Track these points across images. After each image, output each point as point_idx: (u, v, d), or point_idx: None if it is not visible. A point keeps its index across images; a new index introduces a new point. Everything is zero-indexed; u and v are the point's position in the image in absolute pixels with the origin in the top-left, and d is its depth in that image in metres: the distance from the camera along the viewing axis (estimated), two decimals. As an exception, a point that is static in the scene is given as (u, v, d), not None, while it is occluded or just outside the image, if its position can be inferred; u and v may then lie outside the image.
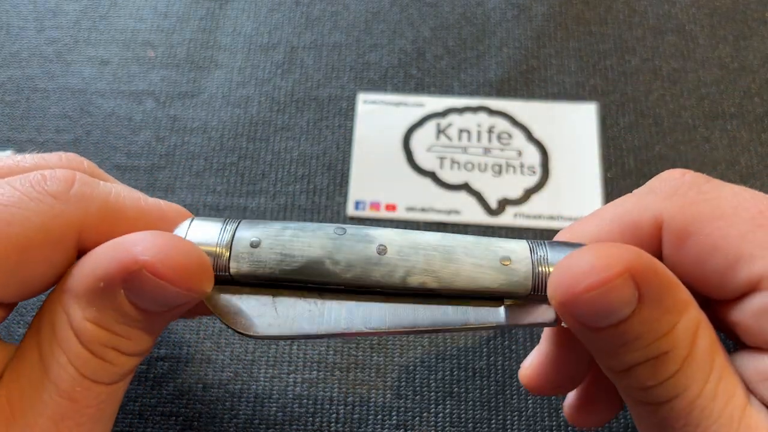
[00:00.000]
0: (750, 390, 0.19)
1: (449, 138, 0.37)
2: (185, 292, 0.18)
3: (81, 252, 0.20)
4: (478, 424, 0.29)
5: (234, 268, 0.20)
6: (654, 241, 0.21)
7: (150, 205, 0.21)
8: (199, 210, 0.35)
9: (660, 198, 0.21)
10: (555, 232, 0.31)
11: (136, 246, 0.18)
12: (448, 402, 0.30)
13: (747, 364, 0.20)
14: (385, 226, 0.22)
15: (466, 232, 0.34)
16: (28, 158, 0.22)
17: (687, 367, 0.18)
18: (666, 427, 0.19)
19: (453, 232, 0.30)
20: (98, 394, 0.19)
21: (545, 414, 0.30)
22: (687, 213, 0.20)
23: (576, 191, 0.36)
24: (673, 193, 0.21)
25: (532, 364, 0.25)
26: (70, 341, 0.18)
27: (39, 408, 0.18)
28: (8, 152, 0.25)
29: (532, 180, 0.36)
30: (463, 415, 0.30)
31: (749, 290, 0.19)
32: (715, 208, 0.20)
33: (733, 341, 0.21)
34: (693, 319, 0.18)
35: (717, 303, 0.21)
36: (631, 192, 0.23)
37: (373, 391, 0.30)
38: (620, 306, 0.17)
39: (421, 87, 0.39)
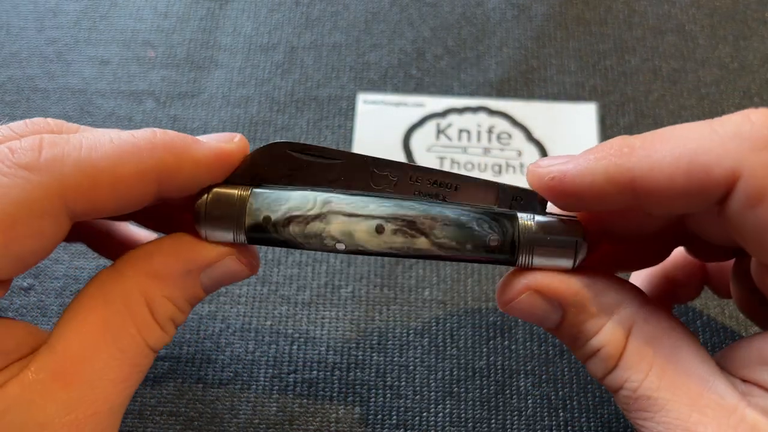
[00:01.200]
0: (746, 377, 0.20)
1: (449, 138, 0.37)
2: (251, 273, 0.24)
3: (71, 213, 0.20)
4: (478, 424, 0.29)
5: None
6: (721, 190, 0.19)
7: (123, 143, 0.21)
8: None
9: (745, 148, 0.18)
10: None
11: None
12: (447, 402, 0.30)
13: (751, 348, 0.20)
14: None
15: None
16: None
17: (623, 362, 0.21)
18: (628, 413, 0.21)
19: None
20: (150, 360, 0.22)
21: (545, 413, 0.30)
22: None
23: (576, 191, 0.36)
24: (764, 146, 0.18)
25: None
26: (143, 316, 0.21)
27: (102, 372, 0.20)
28: None
29: (531, 180, 0.36)
30: (462, 415, 0.30)
31: None
32: None
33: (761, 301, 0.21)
34: (624, 318, 0.21)
35: (764, 266, 0.20)
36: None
37: (373, 390, 0.30)
38: (540, 314, 0.22)
39: (421, 87, 0.39)
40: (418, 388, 0.30)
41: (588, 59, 0.40)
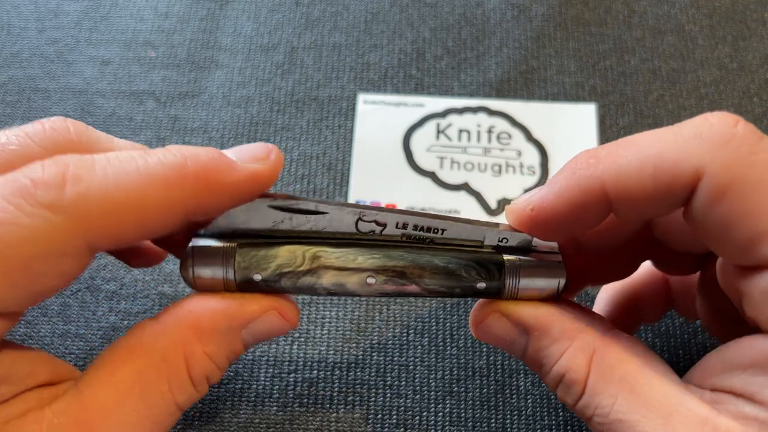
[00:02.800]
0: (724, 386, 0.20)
1: (449, 138, 0.37)
2: (292, 328, 0.23)
3: (92, 248, 0.19)
4: (478, 423, 0.29)
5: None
6: (686, 191, 0.20)
7: (151, 174, 0.19)
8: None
9: (706, 148, 0.19)
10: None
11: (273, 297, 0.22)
12: (447, 401, 0.30)
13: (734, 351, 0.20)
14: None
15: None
16: (9, 140, 0.21)
17: (590, 388, 0.21)
18: None
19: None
20: (175, 419, 0.22)
21: (545, 413, 0.30)
22: (731, 173, 0.19)
23: (575, 191, 0.36)
24: (723, 145, 0.19)
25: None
26: (179, 372, 0.21)
27: (123, 427, 0.20)
28: None
29: (531, 180, 0.36)
30: (462, 414, 0.30)
31: (764, 266, 0.19)
32: (760, 174, 0.19)
33: (737, 307, 0.21)
34: (586, 344, 0.21)
35: (729, 265, 0.21)
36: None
37: (373, 390, 0.30)
38: (505, 337, 0.23)
39: (420, 87, 0.39)
40: (418, 388, 0.30)
41: (587, 59, 0.40)
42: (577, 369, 0.21)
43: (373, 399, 0.30)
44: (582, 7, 0.42)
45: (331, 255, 0.22)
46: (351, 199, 0.36)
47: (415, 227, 0.22)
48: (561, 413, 0.30)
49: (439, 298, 0.23)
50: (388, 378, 0.31)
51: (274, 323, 0.23)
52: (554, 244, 0.23)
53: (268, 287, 0.22)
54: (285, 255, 0.22)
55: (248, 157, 0.21)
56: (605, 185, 0.20)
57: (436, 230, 0.23)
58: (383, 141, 0.37)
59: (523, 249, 0.23)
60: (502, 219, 0.35)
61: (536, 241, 0.23)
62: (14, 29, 0.41)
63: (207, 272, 0.22)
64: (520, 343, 0.23)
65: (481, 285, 0.22)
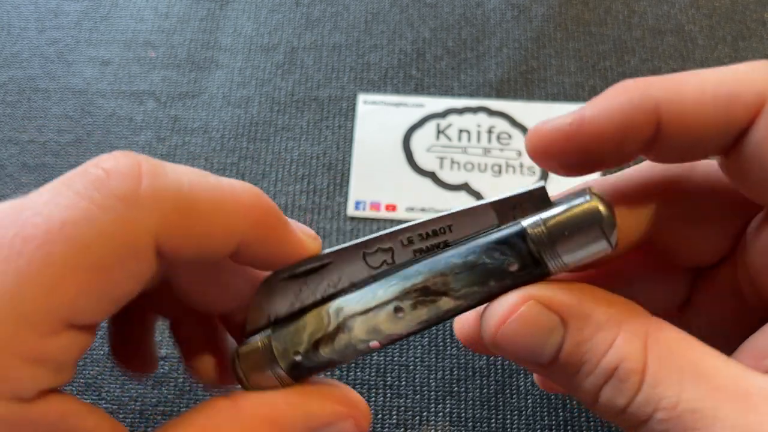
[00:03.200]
0: None
1: (449, 138, 0.37)
2: None
3: (158, 250, 0.18)
4: (478, 423, 0.29)
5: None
6: (748, 116, 0.18)
7: (225, 192, 0.19)
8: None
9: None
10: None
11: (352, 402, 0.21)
12: (448, 401, 0.30)
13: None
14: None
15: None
16: None
17: (649, 378, 0.18)
18: None
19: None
20: None
21: (545, 413, 0.30)
22: None
23: (575, 191, 0.36)
24: None
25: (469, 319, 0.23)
26: None
27: None
28: None
29: (531, 180, 0.36)
30: (463, 414, 0.30)
31: None
32: None
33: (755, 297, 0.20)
34: (637, 328, 0.18)
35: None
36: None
37: (373, 390, 0.30)
38: (542, 330, 0.18)
39: (421, 88, 0.39)
40: (418, 388, 0.30)
41: (587, 60, 0.40)
42: (634, 357, 0.18)
43: (373, 399, 0.30)
44: (582, 7, 0.42)
45: (351, 301, 0.20)
46: (351, 199, 0.35)
47: (421, 236, 0.20)
48: (561, 413, 0.30)
49: (485, 305, 0.20)
50: (389, 378, 0.31)
51: (347, 430, 0.21)
52: (574, 186, 0.20)
53: (313, 364, 0.20)
54: (312, 321, 0.20)
55: (299, 229, 0.21)
56: (660, 105, 0.18)
57: (443, 230, 0.20)
58: (383, 141, 0.37)
59: (541, 205, 0.19)
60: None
61: (552, 194, 0.20)
62: (14, 29, 0.41)
63: (257, 374, 0.21)
64: (554, 341, 0.19)
65: (512, 263, 0.19)
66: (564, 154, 0.20)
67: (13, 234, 0.16)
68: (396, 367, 0.31)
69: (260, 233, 0.19)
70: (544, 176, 0.36)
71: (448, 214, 0.20)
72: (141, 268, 0.17)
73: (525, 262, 0.19)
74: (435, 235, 0.20)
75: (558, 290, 0.19)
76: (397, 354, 0.31)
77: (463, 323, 0.23)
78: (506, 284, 0.19)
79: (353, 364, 0.31)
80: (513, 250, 0.19)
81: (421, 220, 0.20)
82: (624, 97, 0.19)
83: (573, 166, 0.20)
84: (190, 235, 0.18)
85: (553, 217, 0.18)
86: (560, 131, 0.19)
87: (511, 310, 0.18)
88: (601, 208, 0.18)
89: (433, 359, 0.31)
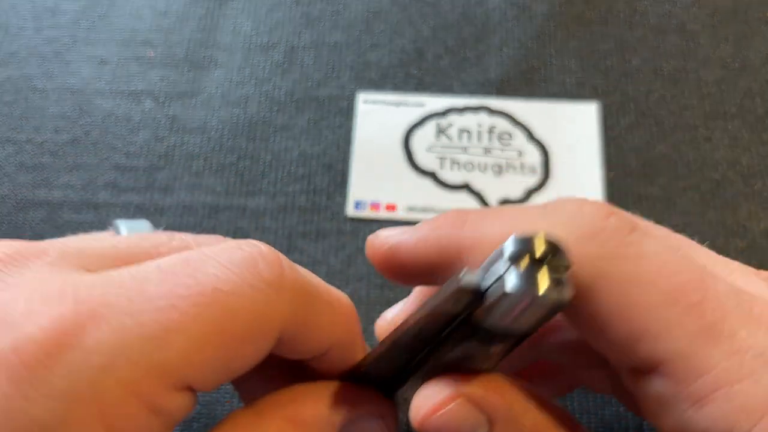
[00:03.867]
0: None
1: (449, 138, 0.37)
2: None
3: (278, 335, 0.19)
4: (479, 426, 0.29)
5: None
6: None
7: (336, 295, 0.21)
8: (198, 210, 0.35)
9: (572, 238, 0.17)
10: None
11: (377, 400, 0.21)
12: (448, 403, 0.30)
13: None
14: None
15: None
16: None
17: None
18: None
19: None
20: None
21: (546, 415, 0.29)
22: (599, 268, 0.17)
23: (577, 191, 0.35)
24: (592, 237, 0.18)
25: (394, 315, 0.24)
26: None
27: None
28: (144, 223, 0.24)
29: (532, 180, 0.36)
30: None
31: (649, 370, 0.18)
32: (632, 270, 0.17)
33: (634, 413, 0.20)
34: None
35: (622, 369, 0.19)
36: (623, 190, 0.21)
37: (373, 392, 0.30)
38: (467, 429, 0.19)
39: (421, 87, 0.39)
40: (418, 390, 0.30)
41: (589, 59, 0.40)
42: None
43: (373, 401, 0.30)
44: (583, 6, 0.41)
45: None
46: (350, 199, 0.35)
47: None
48: (563, 415, 0.29)
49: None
50: (389, 380, 0.30)
51: (373, 430, 0.21)
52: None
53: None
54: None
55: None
56: (463, 249, 0.19)
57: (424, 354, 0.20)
58: (383, 141, 0.37)
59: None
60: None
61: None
62: (12, 28, 0.41)
63: None
64: None
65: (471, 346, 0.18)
66: (384, 269, 0.21)
67: (168, 289, 0.17)
68: (396, 368, 0.31)
69: (348, 340, 0.21)
70: (544, 176, 0.36)
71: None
72: (264, 347, 0.18)
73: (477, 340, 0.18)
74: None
75: (491, 390, 0.19)
76: (397, 355, 0.31)
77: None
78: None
79: (353, 366, 0.31)
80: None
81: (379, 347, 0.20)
82: (434, 233, 0.20)
83: (398, 280, 0.22)
84: (306, 326, 0.19)
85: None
86: (379, 252, 0.21)
87: (441, 404, 0.19)
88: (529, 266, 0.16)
89: (434, 361, 0.31)
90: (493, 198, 0.35)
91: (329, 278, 0.33)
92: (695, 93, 0.38)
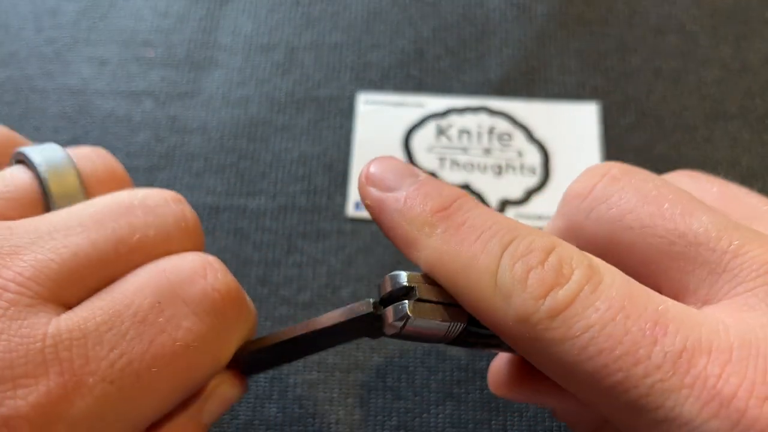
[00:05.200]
0: None
1: (449, 138, 0.37)
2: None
3: None
4: (479, 426, 0.29)
5: None
6: None
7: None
8: (198, 210, 0.35)
9: (565, 200, 0.21)
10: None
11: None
12: (448, 403, 0.30)
13: None
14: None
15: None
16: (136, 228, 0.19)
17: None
18: None
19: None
20: None
21: (546, 415, 0.29)
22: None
23: (577, 192, 0.35)
24: (580, 198, 0.20)
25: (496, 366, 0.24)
26: None
27: None
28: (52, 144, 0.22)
29: (532, 180, 0.36)
30: (463, 416, 0.29)
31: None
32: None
33: None
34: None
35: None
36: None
37: (373, 392, 0.30)
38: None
39: (421, 87, 0.39)
40: (418, 390, 0.30)
41: (589, 59, 0.40)
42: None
43: (373, 401, 0.30)
44: (583, 6, 0.42)
45: None
46: (351, 200, 0.35)
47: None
48: (563, 416, 0.29)
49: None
50: (388, 380, 0.30)
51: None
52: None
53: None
54: None
55: None
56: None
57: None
58: (383, 141, 0.37)
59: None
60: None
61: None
62: (12, 29, 0.41)
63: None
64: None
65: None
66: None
67: (143, 349, 0.17)
68: (396, 369, 0.31)
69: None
70: (544, 177, 0.36)
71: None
72: (219, 370, 0.20)
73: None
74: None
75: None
76: (397, 356, 0.31)
77: (495, 375, 0.24)
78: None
79: (352, 366, 0.31)
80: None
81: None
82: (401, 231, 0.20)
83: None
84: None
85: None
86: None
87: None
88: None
89: (434, 361, 0.31)
90: (493, 198, 0.35)
91: (329, 278, 0.33)
92: (695, 93, 0.38)
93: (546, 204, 0.35)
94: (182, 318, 0.18)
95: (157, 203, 0.20)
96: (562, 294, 0.16)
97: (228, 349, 0.19)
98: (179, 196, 0.22)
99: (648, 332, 0.15)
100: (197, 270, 0.19)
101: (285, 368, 0.30)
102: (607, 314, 0.15)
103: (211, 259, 0.20)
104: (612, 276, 0.16)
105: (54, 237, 0.17)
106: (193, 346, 0.18)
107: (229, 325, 0.19)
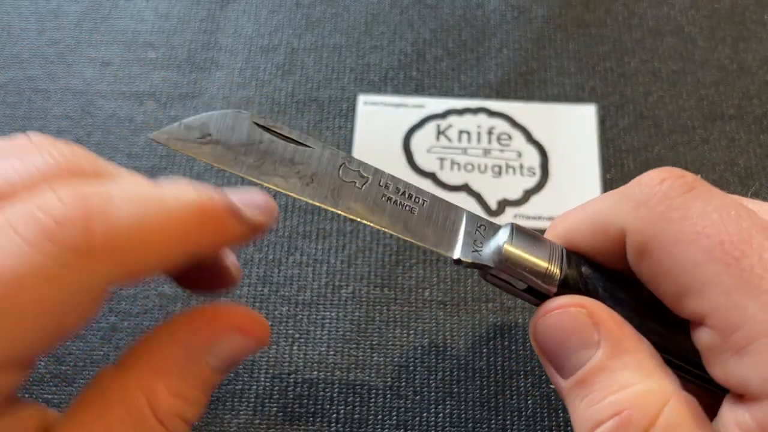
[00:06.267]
0: None
1: (449, 139, 0.37)
2: (261, 345, 0.22)
3: (110, 288, 0.18)
4: (478, 424, 0.29)
5: None
6: (619, 248, 0.21)
7: (172, 211, 0.19)
8: (200, 211, 0.35)
9: (629, 207, 0.21)
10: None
11: (231, 315, 0.21)
12: (448, 402, 0.30)
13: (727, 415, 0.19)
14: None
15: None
16: (11, 167, 0.19)
17: None
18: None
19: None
20: None
21: (545, 414, 0.30)
22: (648, 231, 0.20)
23: (575, 192, 0.36)
24: (643, 203, 0.20)
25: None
26: (144, 419, 0.19)
27: None
28: None
29: (531, 181, 0.36)
30: (463, 415, 0.30)
31: (698, 322, 0.19)
32: (676, 231, 0.19)
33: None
34: (659, 388, 0.19)
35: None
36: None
37: (373, 391, 0.30)
38: (577, 332, 0.20)
39: (421, 88, 0.39)
40: (418, 389, 0.30)
41: (587, 61, 0.40)
42: (644, 413, 0.18)
43: (373, 400, 0.30)
44: (582, 8, 0.42)
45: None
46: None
47: (398, 190, 0.23)
48: (561, 414, 0.30)
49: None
50: (389, 379, 0.31)
51: (236, 343, 0.21)
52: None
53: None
54: None
55: (253, 206, 0.22)
56: (567, 238, 0.23)
57: (417, 200, 0.23)
58: (383, 142, 0.37)
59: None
60: (501, 220, 0.35)
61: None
62: (15, 30, 0.41)
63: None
64: (584, 349, 0.20)
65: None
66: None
67: None
68: (396, 368, 0.31)
69: (210, 239, 0.20)
70: (543, 177, 0.36)
71: (430, 194, 0.23)
72: (86, 309, 0.18)
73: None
74: (408, 198, 0.23)
75: (610, 316, 0.20)
76: (397, 355, 0.31)
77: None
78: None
79: (353, 365, 0.31)
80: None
81: (407, 181, 0.23)
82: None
83: None
84: (139, 269, 0.19)
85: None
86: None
87: (560, 306, 0.21)
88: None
89: (433, 360, 0.31)
90: (492, 199, 0.36)
91: (330, 278, 0.33)
92: (693, 95, 0.39)
93: (545, 204, 0.35)
94: (9, 243, 0.16)
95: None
96: None
97: (84, 280, 0.17)
98: (44, 139, 0.21)
99: None
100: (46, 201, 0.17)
101: (285, 367, 0.31)
102: None
103: (85, 193, 0.18)
104: None
105: None
106: (22, 277, 0.16)
107: (75, 255, 0.17)
